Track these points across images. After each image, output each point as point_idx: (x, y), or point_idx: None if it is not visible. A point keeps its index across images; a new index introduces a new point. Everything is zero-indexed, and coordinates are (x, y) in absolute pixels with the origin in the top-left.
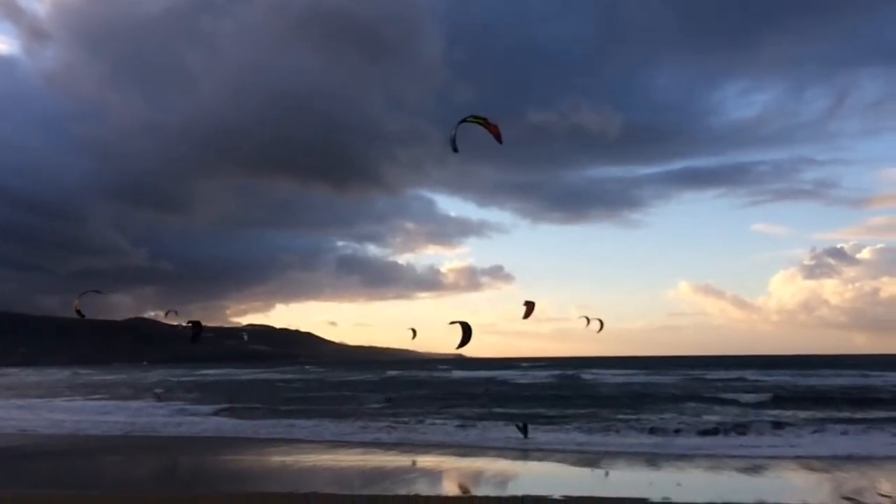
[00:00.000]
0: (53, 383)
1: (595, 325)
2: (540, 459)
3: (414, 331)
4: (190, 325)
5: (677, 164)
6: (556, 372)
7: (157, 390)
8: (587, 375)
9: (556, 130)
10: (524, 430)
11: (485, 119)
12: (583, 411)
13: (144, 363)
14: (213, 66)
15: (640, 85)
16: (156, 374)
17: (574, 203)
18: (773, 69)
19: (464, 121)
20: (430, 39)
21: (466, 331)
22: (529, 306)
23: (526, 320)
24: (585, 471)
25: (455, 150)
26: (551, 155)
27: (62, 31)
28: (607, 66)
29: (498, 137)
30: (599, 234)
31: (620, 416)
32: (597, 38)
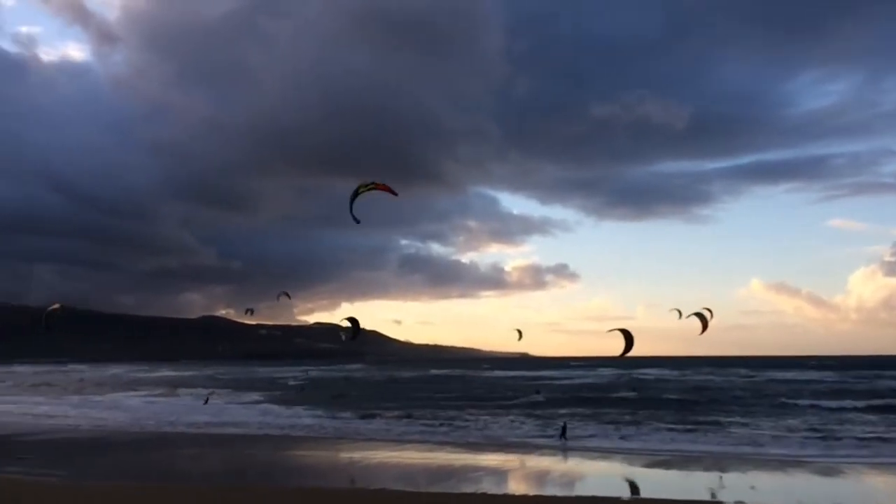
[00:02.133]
0: (135, 380)
1: (689, 320)
2: (606, 460)
3: (520, 332)
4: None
5: (748, 158)
6: (620, 371)
7: (206, 392)
8: (650, 375)
9: (619, 124)
10: (563, 432)
11: (373, 184)
12: (649, 412)
13: (218, 351)
14: (273, 65)
15: (708, 75)
16: (228, 371)
17: (639, 199)
18: (849, 57)
19: (355, 195)
20: (490, 32)
21: (629, 339)
22: (627, 339)
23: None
24: (655, 472)
25: (357, 221)
26: (615, 150)
27: (130, 35)
28: (673, 56)
29: (390, 191)
30: (666, 230)
31: (691, 418)
32: (662, 27)
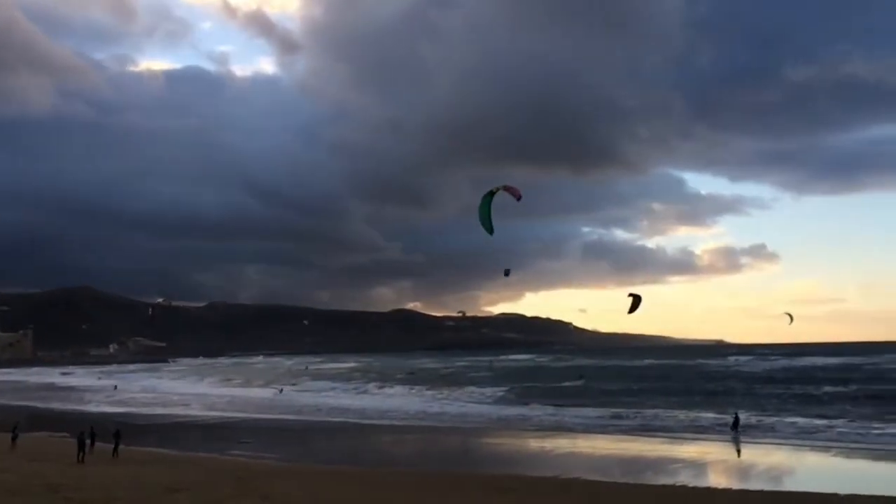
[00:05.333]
0: (350, 370)
1: None
2: (821, 452)
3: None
4: None
5: None
6: (841, 360)
7: (277, 387)
8: (869, 364)
9: (820, 87)
10: (735, 424)
11: (499, 189)
12: (867, 399)
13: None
14: (446, 58)
15: None
16: (427, 361)
17: (846, 170)
18: None
19: (490, 196)
20: None
21: (636, 301)
22: (635, 300)
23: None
24: (875, 466)
25: (491, 232)
26: (815, 117)
27: (311, 42)
28: (882, 3)
29: (515, 194)
30: (879, 203)
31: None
32: None
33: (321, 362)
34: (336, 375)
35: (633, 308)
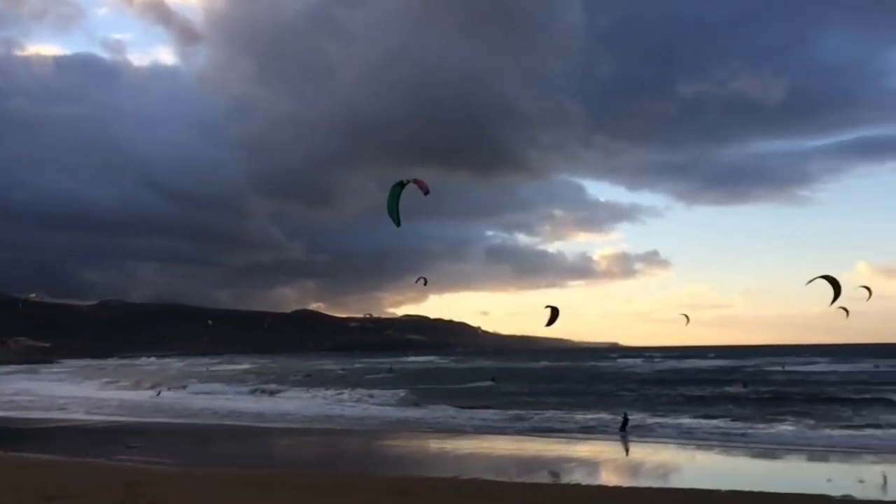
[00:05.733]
0: (243, 372)
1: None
2: (705, 450)
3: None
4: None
5: (850, 134)
6: (725, 362)
7: (156, 390)
8: (751, 366)
9: (710, 102)
10: (624, 424)
11: (409, 181)
12: (750, 400)
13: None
14: (351, 57)
15: (806, 45)
16: (328, 363)
17: (733, 182)
18: None
19: (399, 188)
20: (569, 7)
21: (554, 314)
22: (553, 312)
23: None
24: (755, 463)
25: (398, 223)
26: (706, 130)
27: (212, 33)
28: (768, 26)
29: (424, 188)
30: (763, 214)
31: (795, 409)
32: None
33: (216, 363)
34: (231, 377)
35: (552, 320)
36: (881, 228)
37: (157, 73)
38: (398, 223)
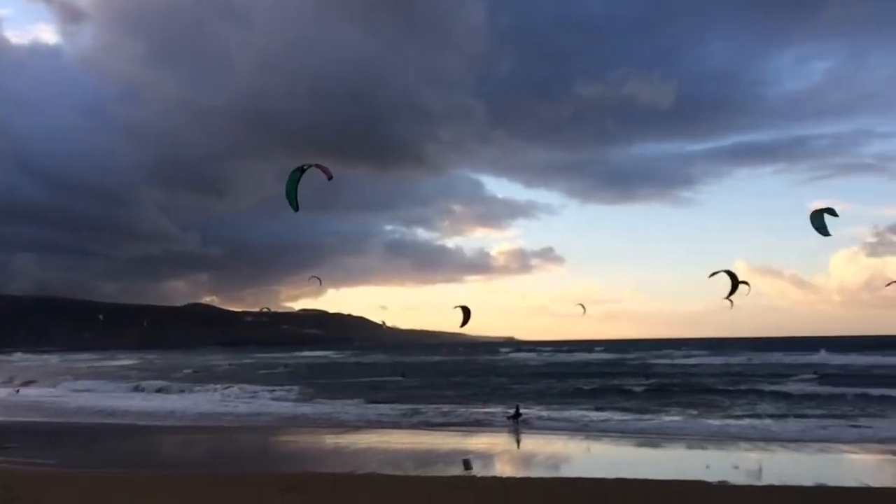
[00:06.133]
0: (125, 368)
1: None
2: (592, 441)
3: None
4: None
5: (730, 139)
6: (613, 355)
7: (15, 385)
8: (635, 358)
9: (604, 104)
10: (516, 415)
11: (309, 166)
12: (634, 391)
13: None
14: (248, 44)
15: (692, 52)
16: (218, 358)
17: (624, 182)
18: (834, 34)
19: (299, 172)
20: (471, 6)
21: (466, 313)
22: (465, 312)
23: (473, 325)
24: (640, 453)
25: (297, 208)
26: (600, 131)
27: (97, 12)
28: (657, 32)
29: (327, 172)
30: (650, 213)
31: (679, 400)
32: (646, 4)
33: (98, 360)
34: (112, 374)
35: (465, 320)
36: (757, 230)
37: (38, 52)
38: (296, 208)
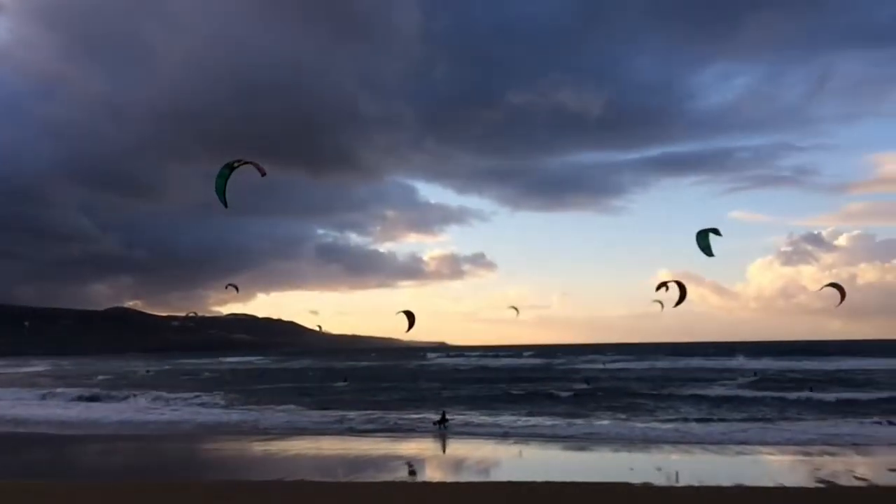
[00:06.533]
0: (36, 375)
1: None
2: (521, 445)
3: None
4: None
5: (657, 150)
6: (542, 360)
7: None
8: (564, 363)
9: (536, 112)
10: (442, 421)
11: (240, 163)
12: (562, 396)
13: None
14: (175, 41)
15: (621, 65)
16: (139, 364)
17: (554, 190)
18: (754, 51)
19: (228, 169)
20: (405, 10)
21: (411, 318)
22: (410, 318)
23: (410, 331)
24: (567, 456)
25: (226, 205)
26: (531, 139)
27: (14, 3)
28: (589, 44)
29: (260, 169)
30: (580, 221)
31: (604, 404)
32: (578, 14)
33: (6, 366)
34: (19, 381)
35: (410, 325)
36: (680, 238)
37: None
38: (226, 205)
